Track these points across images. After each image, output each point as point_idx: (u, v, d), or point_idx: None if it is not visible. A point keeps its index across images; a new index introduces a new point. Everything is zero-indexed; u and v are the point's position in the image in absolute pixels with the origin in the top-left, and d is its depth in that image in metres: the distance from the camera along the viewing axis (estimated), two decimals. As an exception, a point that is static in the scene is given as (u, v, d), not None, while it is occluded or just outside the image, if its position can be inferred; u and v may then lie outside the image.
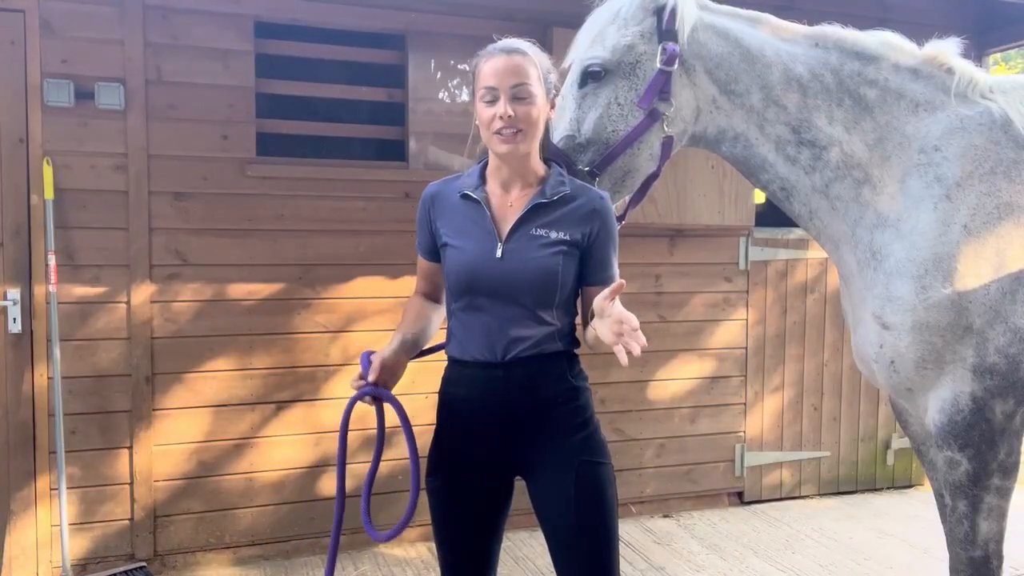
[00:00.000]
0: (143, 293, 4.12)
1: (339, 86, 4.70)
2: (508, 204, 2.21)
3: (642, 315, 4.96)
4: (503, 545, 2.37)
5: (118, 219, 4.07)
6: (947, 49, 2.50)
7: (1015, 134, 2.39)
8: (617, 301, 1.93)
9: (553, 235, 2.16)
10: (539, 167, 2.23)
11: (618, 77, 2.45)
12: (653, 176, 2.55)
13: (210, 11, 4.17)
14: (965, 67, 2.49)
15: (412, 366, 2.30)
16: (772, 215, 5.38)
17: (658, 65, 2.41)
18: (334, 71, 5.07)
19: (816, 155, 2.47)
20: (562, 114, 2.49)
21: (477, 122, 2.20)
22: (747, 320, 5.23)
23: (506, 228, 2.18)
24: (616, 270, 2.25)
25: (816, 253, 5.27)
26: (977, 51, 5.51)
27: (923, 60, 2.49)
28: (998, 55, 9.56)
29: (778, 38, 2.51)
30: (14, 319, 3.92)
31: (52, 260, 3.90)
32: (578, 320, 2.32)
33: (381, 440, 2.25)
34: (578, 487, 2.15)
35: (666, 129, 2.45)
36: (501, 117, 2.10)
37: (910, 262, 2.36)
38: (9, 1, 3.86)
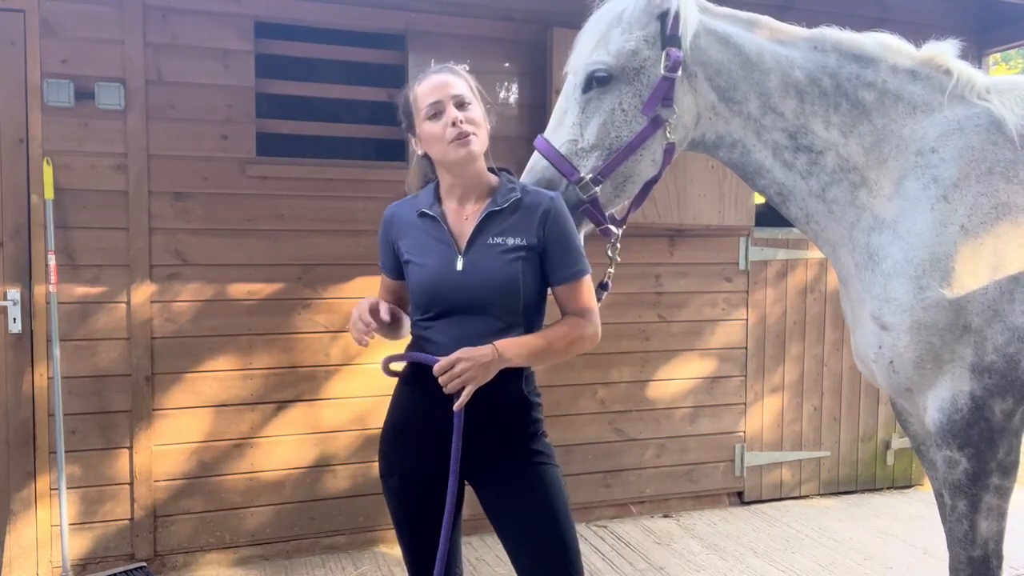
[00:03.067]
0: (143, 293, 4.12)
1: (339, 86, 4.71)
2: (464, 217, 2.30)
3: (642, 315, 4.98)
4: (495, 545, 2.40)
5: (118, 219, 4.07)
6: (945, 50, 2.49)
7: (1011, 134, 2.39)
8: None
9: (510, 241, 2.24)
10: (490, 178, 2.33)
11: (622, 83, 2.44)
12: (653, 180, 2.54)
13: (210, 11, 4.17)
14: (963, 68, 2.48)
15: None
16: (772, 215, 5.38)
17: (662, 71, 2.40)
18: (334, 71, 5.08)
19: (812, 160, 2.47)
20: (564, 118, 2.49)
21: (419, 150, 2.32)
22: (747, 320, 5.23)
23: (464, 241, 2.26)
24: (582, 265, 2.31)
25: (816, 253, 5.27)
26: (977, 51, 5.52)
27: (921, 62, 2.49)
28: (998, 55, 9.56)
29: (777, 42, 2.50)
30: (14, 319, 3.92)
31: (52, 260, 3.90)
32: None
33: (458, 452, 2.23)
34: (531, 485, 2.25)
35: (669, 136, 2.44)
36: (454, 123, 2.21)
37: (907, 263, 2.36)
38: (9, 1, 3.86)
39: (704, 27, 2.47)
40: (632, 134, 2.42)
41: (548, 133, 2.49)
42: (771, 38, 2.50)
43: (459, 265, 2.23)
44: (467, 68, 2.36)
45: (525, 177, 2.45)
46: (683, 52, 2.41)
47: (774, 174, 2.52)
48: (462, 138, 2.21)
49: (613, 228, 2.51)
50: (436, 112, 2.23)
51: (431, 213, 2.30)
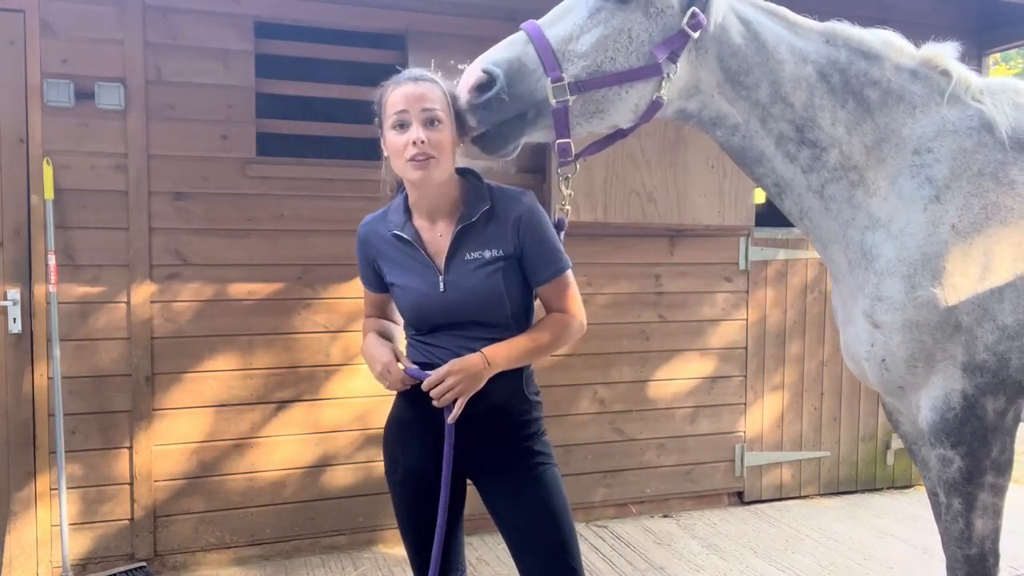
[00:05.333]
0: (143, 293, 4.12)
1: (339, 86, 4.71)
2: (438, 235, 2.27)
3: (642, 315, 4.98)
4: (495, 545, 2.41)
5: (118, 219, 4.07)
6: (944, 52, 2.49)
7: (1001, 136, 2.40)
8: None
9: (487, 254, 2.23)
10: (455, 187, 2.28)
11: (639, 12, 2.30)
12: (620, 134, 2.44)
13: (210, 11, 4.18)
14: (960, 70, 2.49)
15: None
16: (772, 215, 5.38)
17: (683, 25, 2.31)
18: (334, 71, 5.08)
19: (816, 155, 2.46)
20: (566, 15, 2.33)
21: (386, 154, 2.25)
22: (747, 320, 5.23)
23: (442, 259, 2.25)
24: (562, 263, 2.30)
25: (815, 253, 5.25)
26: (977, 51, 5.51)
27: (921, 61, 2.49)
28: (998, 55, 9.56)
29: (793, 33, 2.48)
30: (14, 319, 3.93)
31: (52, 260, 3.90)
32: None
33: (450, 463, 2.27)
34: (532, 485, 2.27)
35: (661, 90, 2.33)
36: (415, 143, 2.13)
37: (900, 262, 2.37)
38: (9, 1, 3.87)
39: (732, 8, 2.41)
40: (628, 65, 2.28)
41: (543, 23, 2.33)
42: (788, 29, 2.49)
43: (441, 286, 2.23)
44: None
45: (500, 50, 2.26)
46: (707, 24, 2.33)
47: (774, 164, 2.49)
48: (420, 160, 2.14)
49: (572, 148, 2.31)
50: (401, 123, 2.16)
51: (405, 236, 2.27)
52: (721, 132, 2.51)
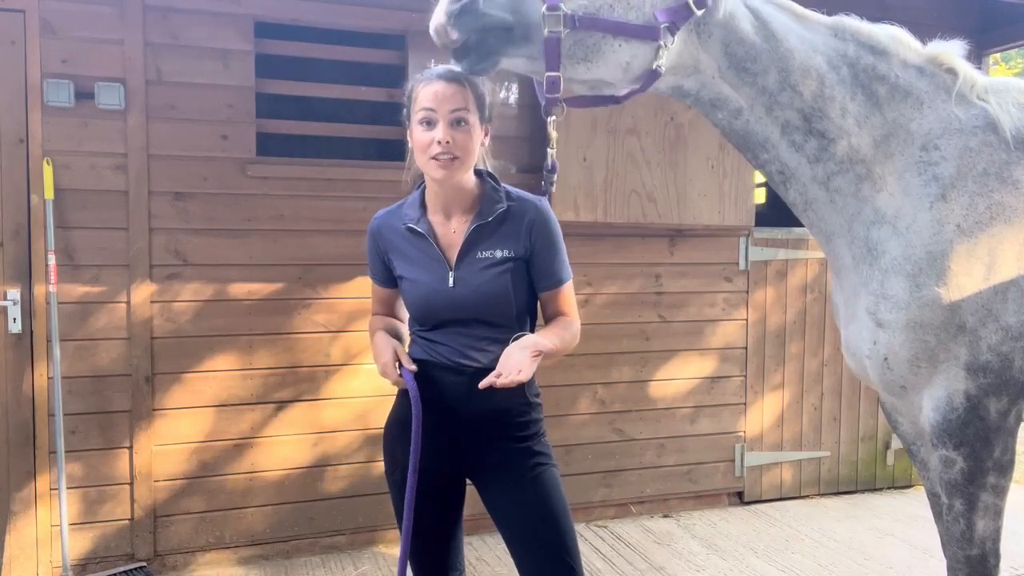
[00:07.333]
0: (143, 293, 4.12)
1: (339, 86, 4.71)
2: (452, 231, 2.30)
3: (642, 315, 4.98)
4: (495, 545, 2.40)
5: (118, 219, 4.07)
6: (950, 50, 2.49)
7: (1006, 136, 2.40)
8: (508, 351, 2.17)
9: (498, 254, 2.26)
10: (473, 186, 2.31)
11: None
12: (611, 98, 2.39)
13: (210, 11, 4.17)
14: (966, 68, 2.49)
15: None
16: (772, 215, 5.39)
17: None
18: (334, 71, 5.08)
19: (823, 146, 2.44)
20: None
21: (411, 147, 2.27)
22: (747, 320, 5.23)
23: (453, 255, 2.27)
24: (565, 272, 2.36)
25: (816, 253, 5.27)
26: (977, 51, 5.51)
27: (927, 59, 2.49)
28: (998, 55, 9.57)
29: (801, 25, 2.48)
30: (14, 319, 3.92)
31: (52, 260, 3.90)
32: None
33: (418, 436, 2.26)
34: (532, 485, 2.28)
35: (657, 60, 2.27)
36: (439, 142, 2.15)
37: (905, 260, 2.37)
38: (9, 1, 3.87)
39: None
40: (625, 18, 2.22)
41: None
42: (795, 20, 2.48)
43: (450, 281, 2.25)
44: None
45: None
46: (713, 6, 2.30)
47: (779, 152, 2.46)
48: (444, 160, 2.17)
49: (561, 84, 2.23)
50: (428, 120, 2.18)
51: (419, 229, 2.29)
52: (722, 115, 2.47)
